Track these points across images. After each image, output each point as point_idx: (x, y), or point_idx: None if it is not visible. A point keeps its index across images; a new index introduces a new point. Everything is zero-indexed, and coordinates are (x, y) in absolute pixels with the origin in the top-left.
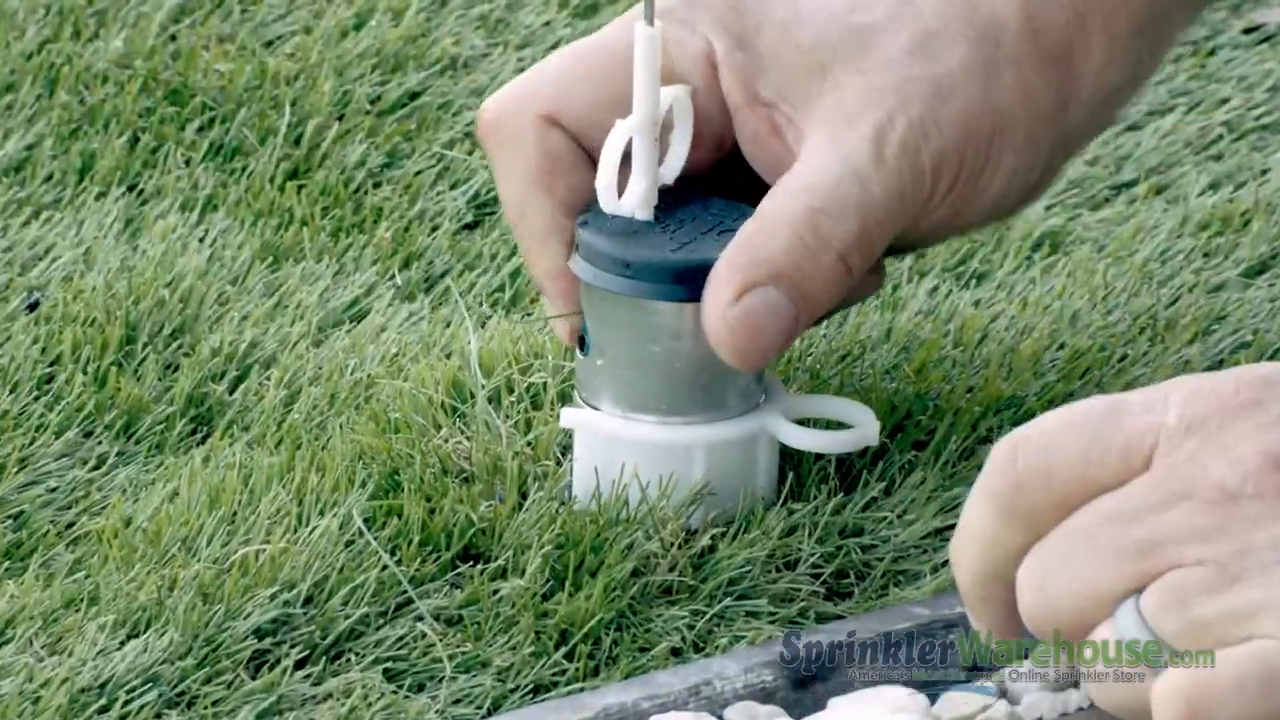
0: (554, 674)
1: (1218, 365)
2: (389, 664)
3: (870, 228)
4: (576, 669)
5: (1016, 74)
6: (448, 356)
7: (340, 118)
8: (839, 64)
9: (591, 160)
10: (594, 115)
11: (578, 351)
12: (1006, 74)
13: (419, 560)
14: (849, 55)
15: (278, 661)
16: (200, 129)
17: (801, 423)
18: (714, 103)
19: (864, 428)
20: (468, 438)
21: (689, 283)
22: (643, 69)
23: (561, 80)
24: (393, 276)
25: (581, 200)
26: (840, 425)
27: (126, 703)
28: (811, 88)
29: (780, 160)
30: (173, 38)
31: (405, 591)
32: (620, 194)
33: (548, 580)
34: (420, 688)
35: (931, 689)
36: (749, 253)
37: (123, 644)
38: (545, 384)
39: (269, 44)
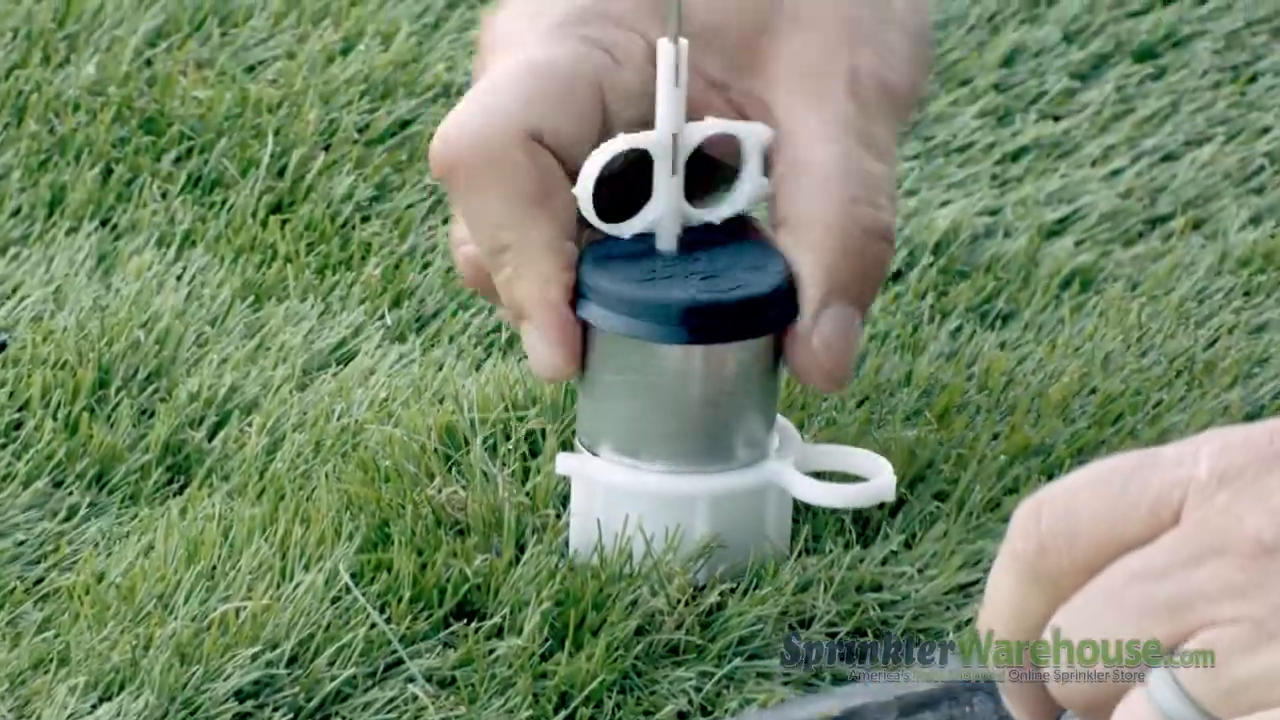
0: None
1: (1259, 412)
2: None
3: (893, 192)
4: None
5: None
6: (441, 401)
7: (326, 148)
8: (778, 17)
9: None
10: (579, 133)
11: (579, 393)
12: None
13: (410, 618)
14: (782, 7)
15: None
16: (177, 159)
17: (815, 475)
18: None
19: (879, 481)
20: (462, 487)
21: (693, 324)
22: (666, 86)
23: (534, 100)
24: (382, 316)
25: (574, 222)
26: (855, 478)
27: None
28: (758, 53)
29: None
30: (148, 63)
31: (395, 651)
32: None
33: (547, 639)
34: None
35: None
36: (808, 272)
37: (95, 707)
38: (544, 430)
39: (250, 69)
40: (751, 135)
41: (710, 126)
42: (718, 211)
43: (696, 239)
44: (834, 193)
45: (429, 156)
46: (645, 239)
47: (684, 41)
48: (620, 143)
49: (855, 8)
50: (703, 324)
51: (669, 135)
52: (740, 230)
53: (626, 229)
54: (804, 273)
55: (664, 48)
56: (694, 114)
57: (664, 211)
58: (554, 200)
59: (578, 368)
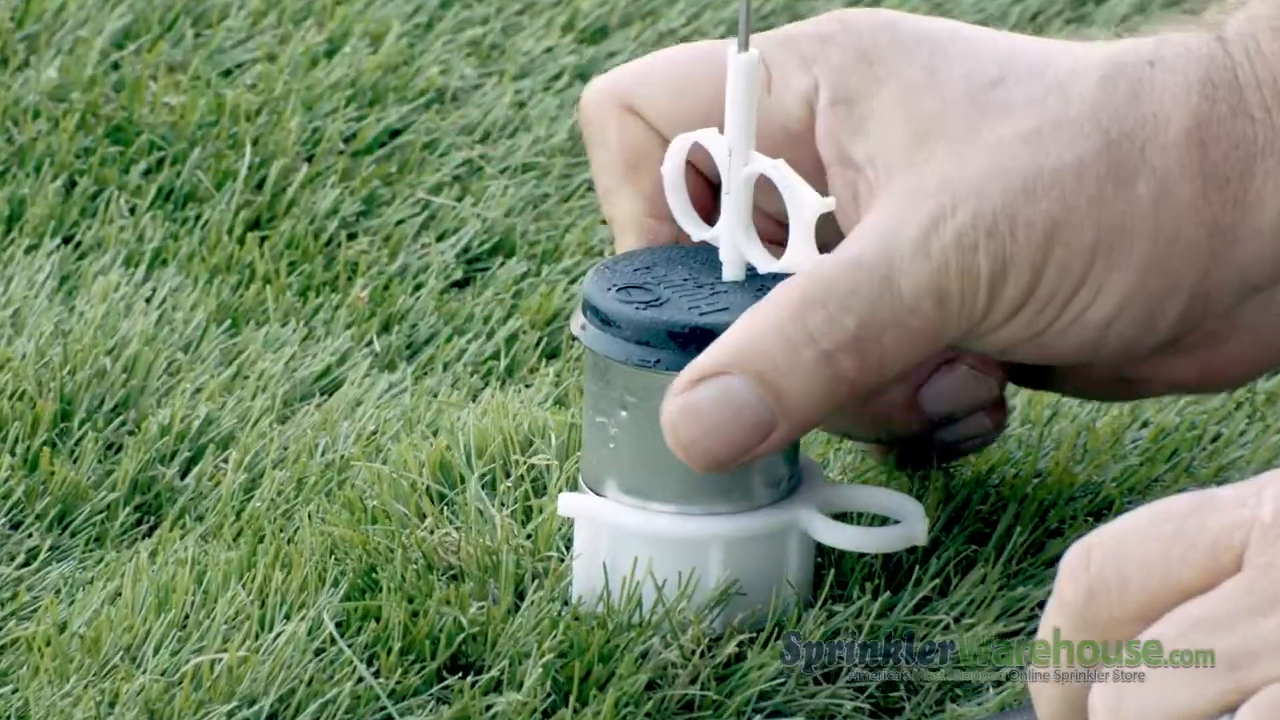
0: None
1: None
2: None
3: (878, 328)
4: None
5: (1157, 184)
6: (434, 434)
7: (309, 159)
8: (944, 138)
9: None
10: (678, 112)
11: (585, 428)
12: (1142, 183)
13: (400, 671)
14: (959, 130)
15: None
16: (147, 171)
17: (840, 516)
18: (806, 155)
19: (910, 524)
20: (457, 529)
21: (691, 348)
22: (737, 101)
23: (645, 74)
24: (370, 342)
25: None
26: (884, 520)
27: None
28: (904, 157)
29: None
30: (115, 66)
31: (384, 708)
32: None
33: (549, 694)
34: None
35: None
36: (725, 338)
37: None
38: (547, 467)
39: (226, 74)
40: (803, 206)
41: (768, 167)
42: (765, 262)
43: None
44: (801, 279)
45: None
46: (658, 257)
47: (754, 52)
48: (697, 132)
49: (1012, 167)
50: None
51: (726, 150)
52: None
53: (698, 230)
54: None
55: (736, 58)
56: (822, 179)
57: (725, 230)
58: (643, 175)
59: None
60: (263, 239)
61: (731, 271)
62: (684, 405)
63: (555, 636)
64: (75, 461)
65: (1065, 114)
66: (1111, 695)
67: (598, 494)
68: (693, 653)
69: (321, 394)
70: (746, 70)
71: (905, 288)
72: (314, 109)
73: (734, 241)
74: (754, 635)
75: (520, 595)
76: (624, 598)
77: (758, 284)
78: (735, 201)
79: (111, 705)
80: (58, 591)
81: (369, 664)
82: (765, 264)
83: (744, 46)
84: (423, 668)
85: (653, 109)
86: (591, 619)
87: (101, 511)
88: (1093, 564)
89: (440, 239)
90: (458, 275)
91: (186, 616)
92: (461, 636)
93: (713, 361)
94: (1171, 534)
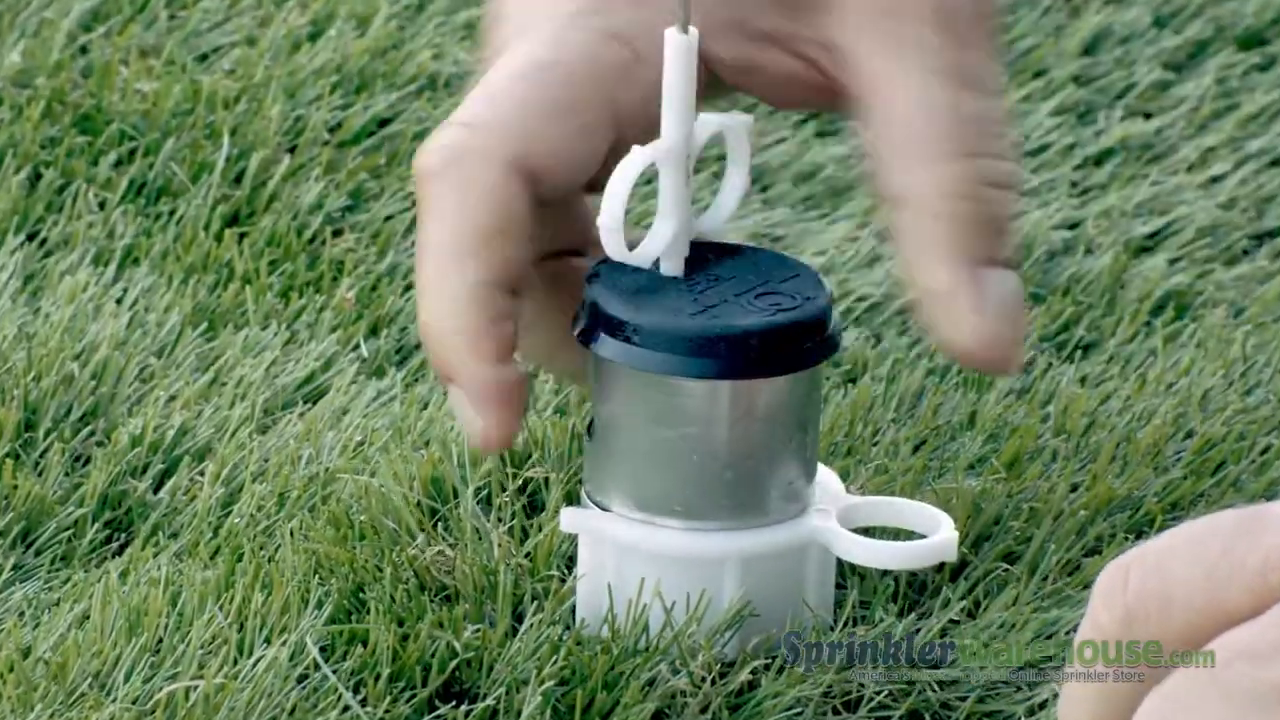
0: None
1: None
2: None
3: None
4: None
5: None
6: (426, 446)
7: (292, 150)
8: None
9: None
10: (578, 154)
11: (587, 438)
12: None
13: (389, 699)
14: None
15: None
16: (117, 163)
17: (862, 531)
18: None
19: (938, 539)
20: (450, 546)
21: (710, 355)
22: (675, 85)
23: (528, 117)
24: (357, 346)
25: (517, 273)
26: (910, 535)
27: None
28: None
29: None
30: (83, 50)
31: None
32: (631, 242)
33: None
34: None
35: None
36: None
37: None
38: (546, 480)
39: (203, 58)
40: (734, 128)
41: (707, 124)
42: (712, 218)
43: (702, 255)
44: (941, 153)
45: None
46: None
47: (694, 31)
48: (640, 158)
49: None
50: (731, 356)
51: (681, 142)
52: (749, 245)
53: (644, 256)
54: (934, 252)
55: (674, 40)
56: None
57: (677, 230)
58: (507, 242)
59: (513, 433)
60: (242, 236)
61: (675, 268)
62: (984, 308)
63: (556, 662)
64: (40, 474)
65: None
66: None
67: (603, 508)
68: (703, 680)
69: (305, 402)
70: (686, 53)
71: (981, 74)
72: (296, 96)
73: (687, 233)
74: (769, 661)
75: (518, 617)
76: (629, 620)
77: (704, 270)
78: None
79: None
80: (21, 614)
81: (355, 692)
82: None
83: (684, 28)
84: (413, 696)
85: (552, 160)
86: (595, 643)
87: (68, 528)
88: (1130, 586)
89: None
90: None
91: (160, 641)
92: (455, 662)
93: (962, 267)
94: (1217, 553)
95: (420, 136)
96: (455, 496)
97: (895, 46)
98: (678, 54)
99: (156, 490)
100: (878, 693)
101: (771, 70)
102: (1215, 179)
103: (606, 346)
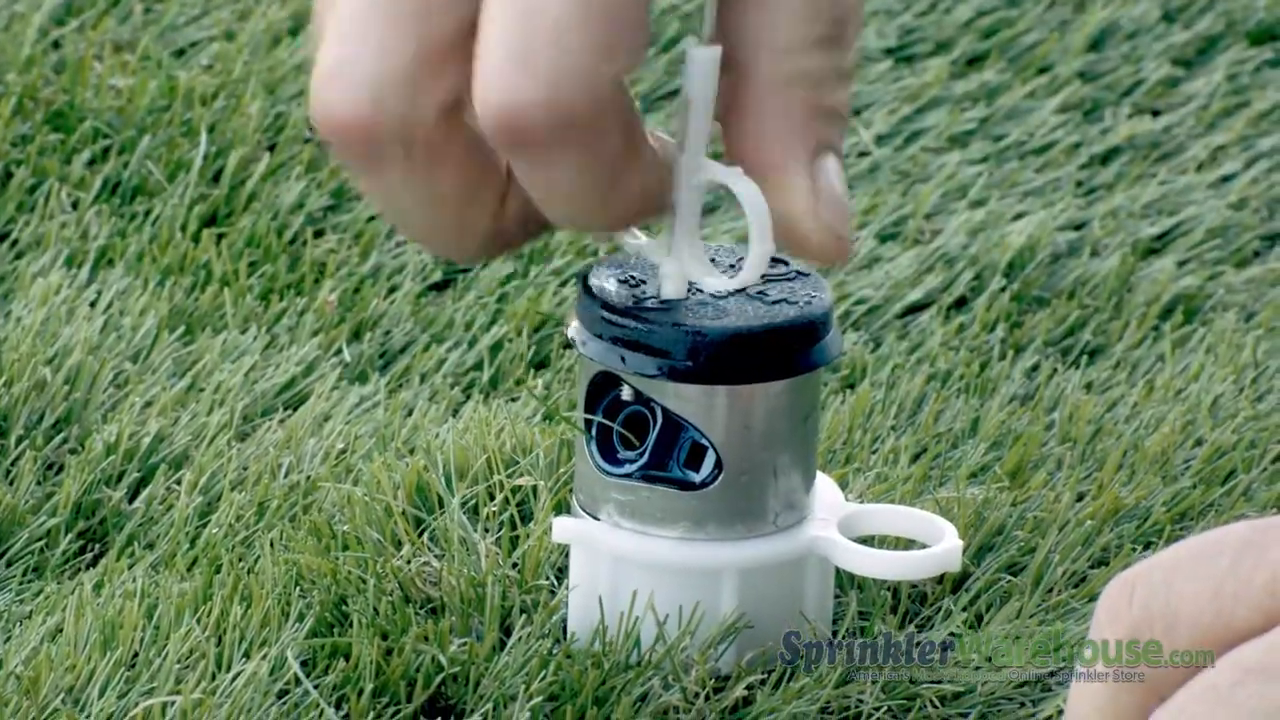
0: None
1: None
2: None
3: None
4: None
5: None
6: (410, 453)
7: (271, 148)
8: None
9: None
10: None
11: (579, 444)
12: None
13: (372, 715)
14: None
15: None
16: (91, 162)
17: (863, 540)
18: None
19: (941, 549)
20: (436, 557)
21: (712, 359)
22: (695, 100)
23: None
24: (339, 351)
25: None
26: (911, 544)
27: None
28: None
29: None
30: (56, 44)
31: None
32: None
33: None
34: None
35: None
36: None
37: None
38: (535, 488)
39: (180, 53)
40: (748, 194)
41: (724, 176)
42: (716, 280)
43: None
44: (800, 39)
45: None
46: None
47: (717, 48)
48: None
49: None
50: (725, 360)
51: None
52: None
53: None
54: (779, 135)
55: (696, 55)
56: None
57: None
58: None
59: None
60: (220, 236)
61: (672, 288)
62: (833, 211)
63: (545, 677)
64: (11, 483)
65: None
66: None
67: (594, 517)
68: (697, 695)
69: (285, 408)
70: (708, 67)
71: None
72: (276, 92)
73: (680, 255)
74: (765, 675)
75: (506, 631)
76: (621, 633)
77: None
78: (685, 212)
79: None
80: None
81: (338, 707)
82: (716, 283)
83: (706, 40)
84: (397, 711)
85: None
86: (586, 657)
87: (41, 538)
88: (1136, 603)
89: None
90: (436, 277)
91: (135, 655)
92: (441, 677)
93: (806, 165)
94: (1224, 570)
95: None
96: (441, 506)
97: None
98: (701, 70)
99: (132, 499)
100: (877, 708)
101: None
102: (1225, 178)
103: (597, 349)
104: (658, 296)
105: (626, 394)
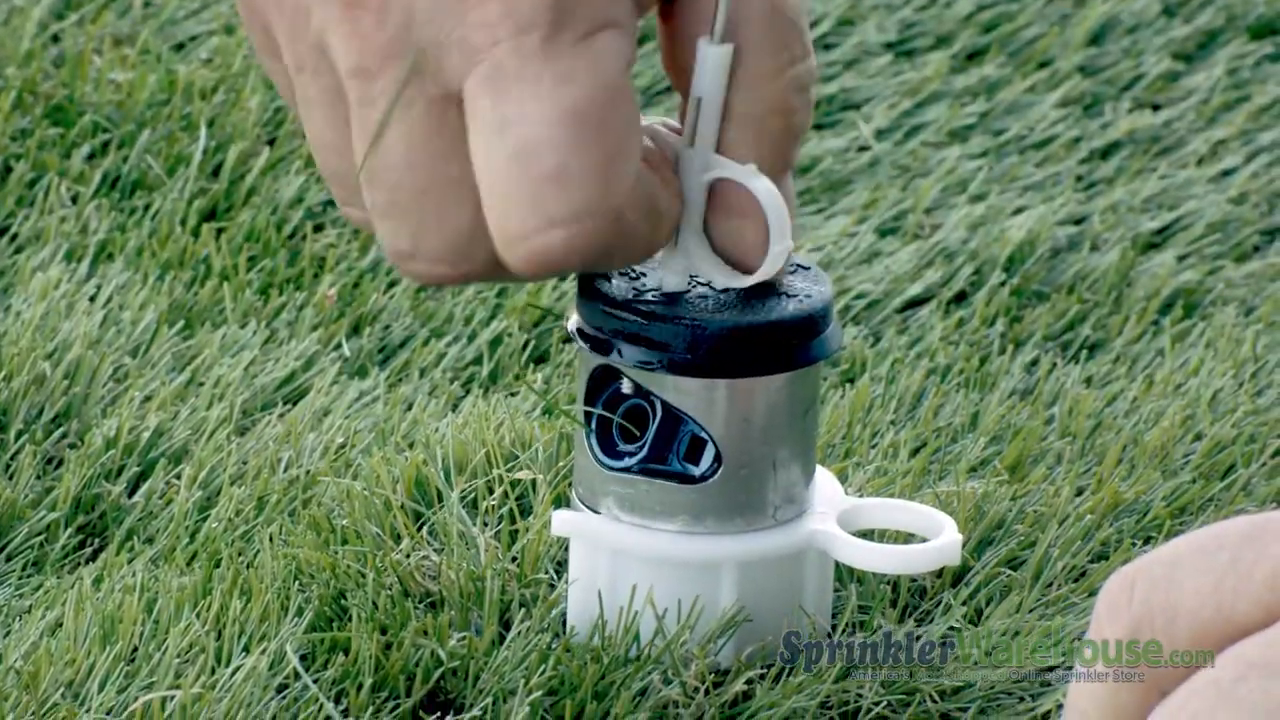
0: None
1: None
2: None
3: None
4: None
5: None
6: (410, 447)
7: (271, 142)
8: None
9: None
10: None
11: (578, 438)
12: None
13: (371, 709)
14: None
15: None
16: (91, 156)
17: (862, 534)
18: None
19: (941, 543)
20: (435, 551)
21: (712, 353)
22: (706, 97)
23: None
24: (338, 345)
25: None
26: (910, 538)
27: None
28: None
29: None
30: (55, 38)
31: None
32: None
33: None
34: None
35: None
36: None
37: None
38: (535, 482)
39: (179, 47)
40: (765, 191)
41: (739, 174)
42: (724, 275)
43: None
44: (768, 67)
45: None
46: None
47: (729, 46)
48: (650, 121)
49: None
50: (725, 354)
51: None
52: None
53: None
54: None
55: (708, 53)
56: None
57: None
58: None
59: None
60: (219, 231)
61: (674, 281)
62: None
63: (544, 671)
64: (11, 478)
65: None
66: None
67: (594, 511)
68: (696, 689)
69: (285, 403)
70: (720, 65)
71: None
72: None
73: (686, 248)
74: (765, 670)
75: (505, 625)
76: (621, 627)
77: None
78: (693, 208)
79: None
80: None
81: (337, 701)
82: (725, 277)
83: (717, 39)
84: (396, 705)
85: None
86: (585, 651)
87: (40, 533)
88: (1136, 598)
89: None
90: None
91: (135, 649)
92: (440, 671)
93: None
94: (1224, 565)
95: None
96: (440, 500)
97: None
98: (714, 67)
99: (131, 494)
100: (876, 703)
101: None
102: (1226, 173)
103: (582, 339)
104: (659, 289)
105: (626, 387)
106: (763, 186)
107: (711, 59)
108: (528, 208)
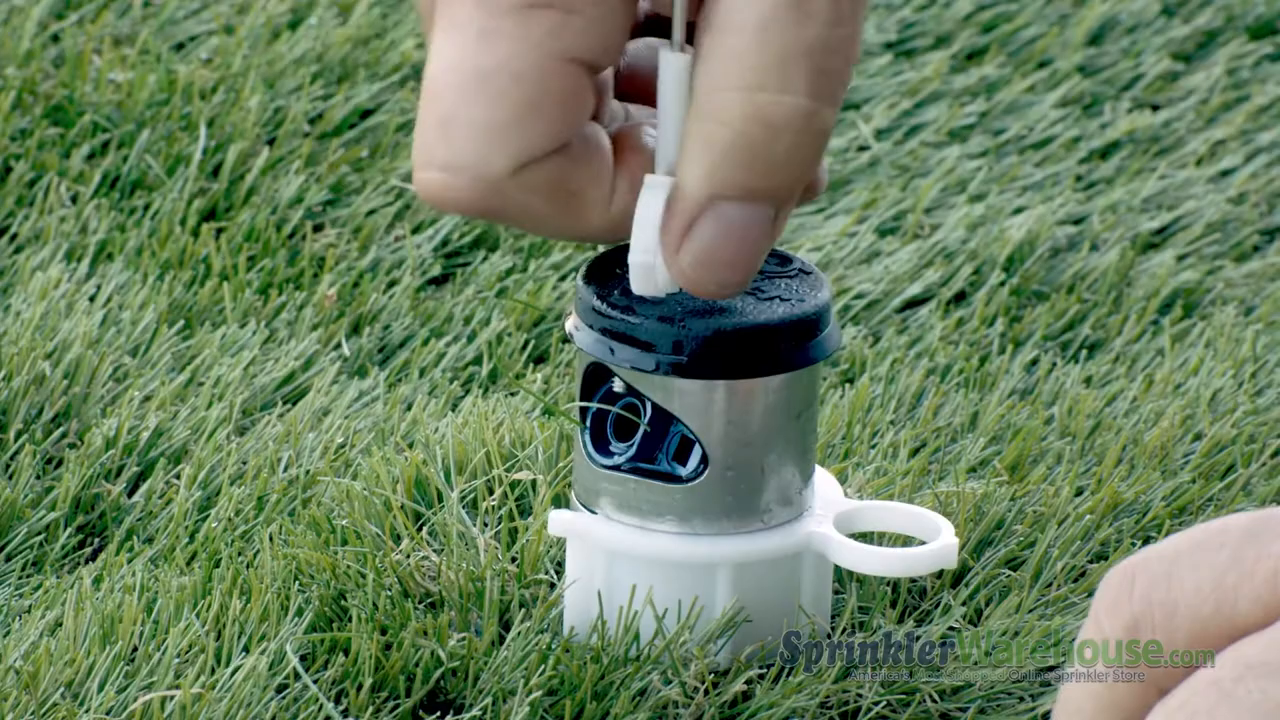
0: None
1: None
2: None
3: (824, 58)
4: None
5: None
6: (409, 447)
7: (271, 142)
8: None
9: None
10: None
11: (577, 438)
12: None
13: (371, 709)
14: None
15: None
16: (91, 156)
17: (860, 536)
18: None
19: (938, 545)
20: (435, 551)
21: (709, 355)
22: (667, 104)
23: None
24: (338, 345)
25: None
26: (909, 540)
27: None
28: None
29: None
30: (55, 38)
31: None
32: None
33: None
34: None
35: None
36: (685, 179)
37: None
38: (535, 482)
39: (179, 47)
40: (639, 201)
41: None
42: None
43: None
44: (737, 76)
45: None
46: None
47: (689, 54)
48: (663, 183)
49: None
50: (710, 356)
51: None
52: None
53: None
54: (685, 170)
55: (669, 61)
56: None
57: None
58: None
59: None
60: (219, 231)
61: (641, 283)
62: (697, 254)
63: (544, 671)
64: (11, 477)
65: None
66: None
67: (592, 511)
68: (696, 690)
69: (284, 402)
70: (679, 72)
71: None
72: (276, 86)
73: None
74: (764, 670)
75: (505, 625)
76: (620, 628)
77: None
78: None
79: None
80: None
81: (337, 702)
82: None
83: (676, 46)
84: (396, 706)
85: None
86: (584, 652)
87: (40, 533)
88: (1136, 594)
89: (416, 231)
90: (435, 271)
91: (134, 649)
92: (440, 671)
93: (693, 203)
94: (1225, 562)
95: (403, 128)
96: (440, 500)
97: None
98: (673, 77)
99: (131, 493)
100: (876, 703)
101: None
102: (1225, 173)
103: (593, 343)
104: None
105: (618, 386)
106: (641, 195)
107: (671, 67)
108: (420, 140)
